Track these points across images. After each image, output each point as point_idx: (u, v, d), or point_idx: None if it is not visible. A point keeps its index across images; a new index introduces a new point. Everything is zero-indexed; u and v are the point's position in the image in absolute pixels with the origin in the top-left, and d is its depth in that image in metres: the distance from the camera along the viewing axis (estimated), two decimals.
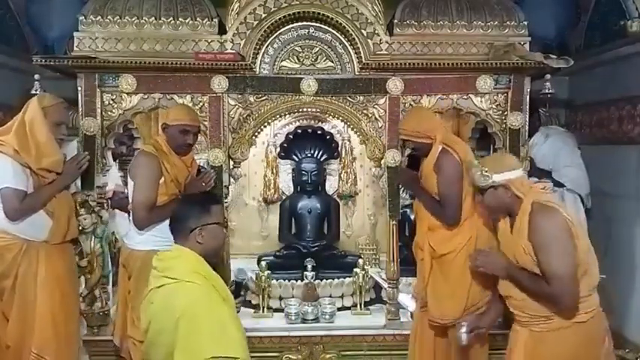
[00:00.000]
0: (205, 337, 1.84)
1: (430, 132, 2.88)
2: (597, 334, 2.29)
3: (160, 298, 1.95)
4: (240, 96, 3.32)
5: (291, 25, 3.32)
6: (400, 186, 3.34)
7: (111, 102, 3.25)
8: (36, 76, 3.23)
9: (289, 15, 3.25)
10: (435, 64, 3.21)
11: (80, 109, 3.23)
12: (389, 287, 3.37)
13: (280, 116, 3.46)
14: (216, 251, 2.15)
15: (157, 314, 1.95)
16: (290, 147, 4.27)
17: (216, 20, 3.31)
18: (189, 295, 1.91)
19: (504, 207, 2.37)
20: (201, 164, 3.44)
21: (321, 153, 4.27)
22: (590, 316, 2.23)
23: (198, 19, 3.29)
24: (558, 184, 3.96)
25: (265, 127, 3.47)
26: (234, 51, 3.23)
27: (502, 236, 2.45)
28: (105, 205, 3.39)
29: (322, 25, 3.32)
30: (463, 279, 2.75)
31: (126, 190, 3.47)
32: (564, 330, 2.24)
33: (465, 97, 3.34)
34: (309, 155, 4.25)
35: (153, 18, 3.27)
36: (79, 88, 3.23)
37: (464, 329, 2.50)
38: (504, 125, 3.34)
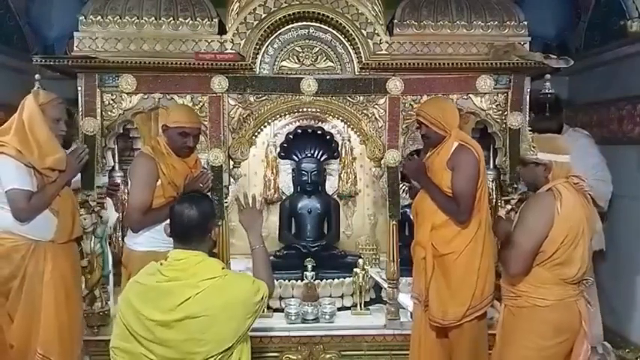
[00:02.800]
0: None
1: (449, 125, 2.83)
2: (558, 326, 2.38)
3: (206, 298, 2.03)
4: (240, 96, 3.32)
5: (291, 25, 3.32)
6: (407, 176, 3.15)
7: (111, 102, 3.25)
8: (36, 76, 3.22)
9: (289, 15, 3.25)
10: (435, 64, 3.22)
11: (80, 109, 3.23)
12: (389, 287, 3.38)
13: (280, 116, 3.46)
14: None
15: (208, 317, 2.02)
16: (290, 147, 4.27)
17: (216, 20, 3.32)
18: (237, 284, 2.14)
19: (537, 184, 2.49)
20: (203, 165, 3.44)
21: (321, 153, 4.27)
22: (549, 303, 2.36)
23: (198, 19, 3.29)
24: None
25: (265, 127, 3.48)
26: (234, 51, 3.23)
27: None
28: (105, 205, 3.39)
29: (322, 25, 3.32)
30: (465, 281, 2.75)
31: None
32: (526, 310, 2.42)
33: (465, 97, 3.35)
34: (309, 155, 4.25)
35: (153, 18, 3.28)
36: (79, 88, 3.23)
37: None
38: (504, 125, 3.34)
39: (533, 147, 2.47)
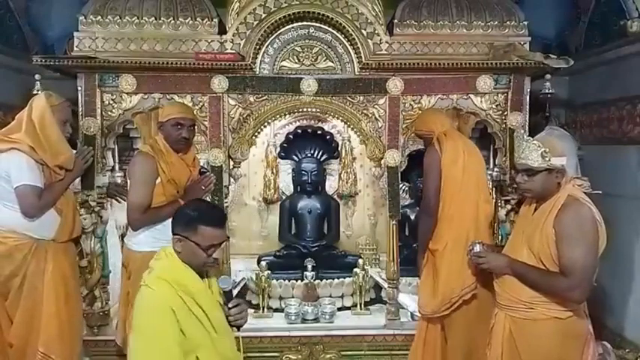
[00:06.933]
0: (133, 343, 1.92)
1: (429, 129, 3.00)
2: (575, 335, 2.24)
3: (137, 296, 1.99)
4: (240, 96, 3.32)
5: (291, 25, 3.32)
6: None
7: (111, 102, 3.26)
8: (36, 76, 3.23)
9: (289, 15, 3.25)
10: (435, 64, 3.22)
11: (80, 109, 3.24)
12: (389, 287, 3.38)
13: (280, 116, 3.47)
14: (194, 267, 2.00)
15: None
16: (290, 147, 4.27)
17: (216, 20, 3.32)
18: (142, 300, 1.94)
19: (547, 192, 2.23)
20: (202, 164, 3.44)
21: (321, 153, 4.27)
22: (569, 315, 2.19)
23: (198, 19, 3.29)
24: None
25: (265, 127, 3.49)
26: (234, 51, 3.23)
27: (521, 218, 2.44)
28: (105, 204, 3.39)
29: (322, 25, 3.32)
30: (446, 276, 2.82)
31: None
32: (542, 322, 2.20)
33: (465, 97, 3.35)
34: (309, 155, 4.25)
35: (153, 18, 3.28)
36: (79, 88, 3.24)
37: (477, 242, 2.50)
38: (504, 125, 3.35)
39: (547, 152, 2.16)
